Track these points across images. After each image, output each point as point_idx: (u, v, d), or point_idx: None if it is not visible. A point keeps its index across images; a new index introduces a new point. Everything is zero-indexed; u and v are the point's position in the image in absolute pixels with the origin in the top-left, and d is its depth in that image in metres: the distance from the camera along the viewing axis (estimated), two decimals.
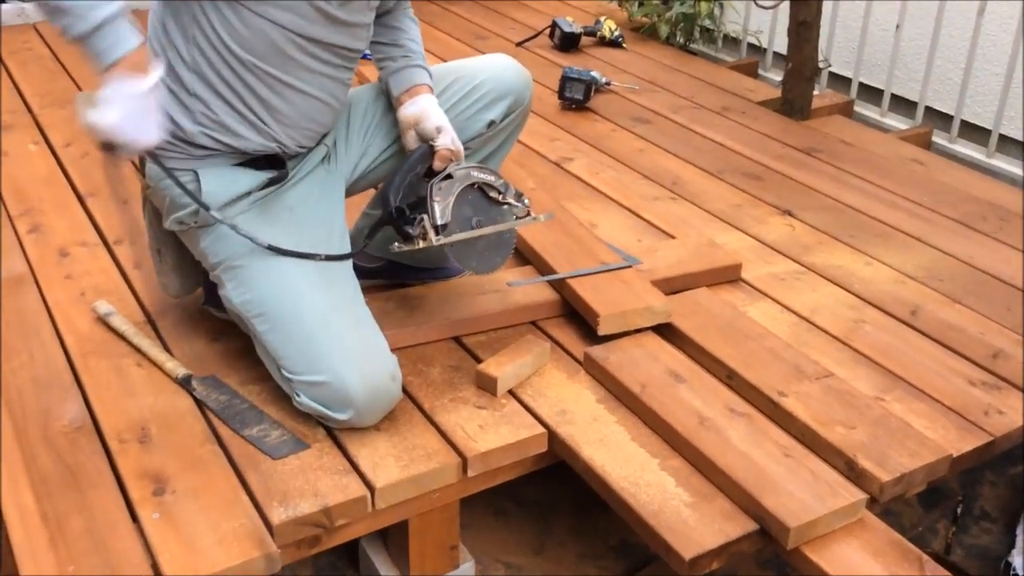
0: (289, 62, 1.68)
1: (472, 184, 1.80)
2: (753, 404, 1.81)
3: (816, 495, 1.57)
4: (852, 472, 1.64)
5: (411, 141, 1.87)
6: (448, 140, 1.84)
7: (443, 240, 1.75)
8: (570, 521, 2.10)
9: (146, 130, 1.57)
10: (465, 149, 1.91)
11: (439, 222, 1.75)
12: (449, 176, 1.78)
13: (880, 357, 2.01)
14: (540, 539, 2.07)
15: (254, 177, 1.75)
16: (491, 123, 1.95)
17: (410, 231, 1.76)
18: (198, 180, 1.72)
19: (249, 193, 1.74)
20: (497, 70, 1.97)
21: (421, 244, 1.75)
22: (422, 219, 1.75)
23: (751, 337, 1.98)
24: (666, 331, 2.01)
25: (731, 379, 1.88)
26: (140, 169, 1.80)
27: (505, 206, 1.85)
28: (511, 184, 1.85)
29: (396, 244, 1.78)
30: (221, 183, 1.72)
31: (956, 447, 1.76)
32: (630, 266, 2.15)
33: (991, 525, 2.21)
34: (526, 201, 1.87)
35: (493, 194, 1.83)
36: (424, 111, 1.85)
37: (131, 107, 1.54)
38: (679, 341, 1.99)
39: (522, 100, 1.99)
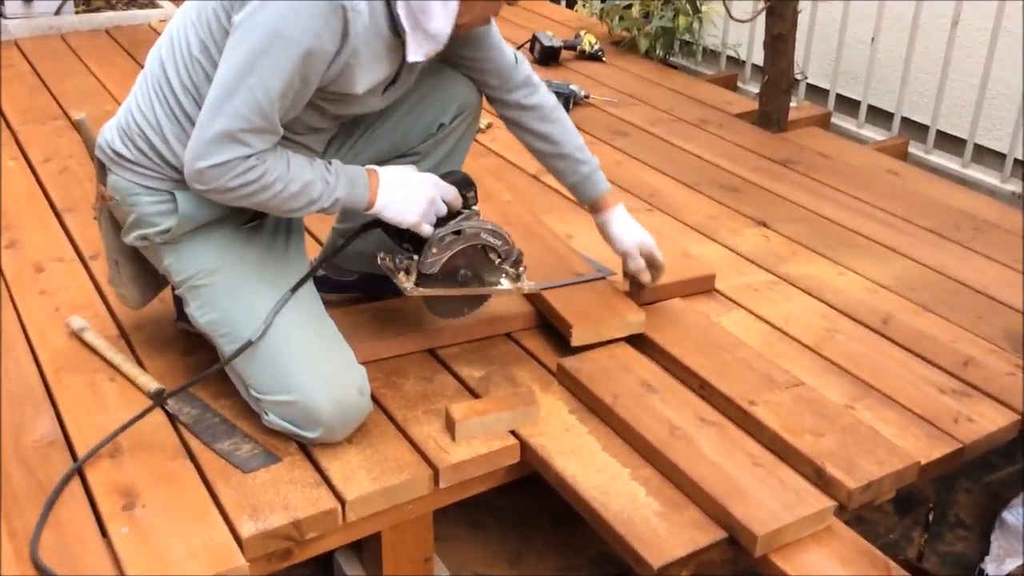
0: (313, 133, 1.74)
1: (476, 244, 1.82)
2: (724, 414, 1.82)
3: (784, 503, 1.58)
4: (820, 480, 1.65)
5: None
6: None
7: (418, 291, 1.79)
8: (547, 533, 2.11)
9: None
10: (415, 154, 1.93)
11: (425, 271, 1.77)
12: (458, 232, 1.79)
13: (851, 366, 2.03)
14: (517, 551, 2.07)
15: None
16: (440, 125, 1.96)
17: (396, 263, 1.79)
18: (174, 200, 1.71)
19: (224, 218, 1.74)
20: (444, 76, 1.97)
21: (399, 278, 1.78)
22: (412, 258, 1.77)
23: (724, 348, 1.99)
24: (640, 342, 2.02)
25: (704, 389, 1.89)
26: (100, 179, 1.79)
27: (499, 269, 1.87)
28: (516, 249, 1.86)
29: (382, 255, 1.81)
30: (197, 205, 1.71)
31: (925, 455, 1.77)
32: (603, 277, 2.16)
33: (966, 532, 2.22)
34: (521, 269, 1.89)
35: (493, 255, 1.85)
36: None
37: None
38: (653, 352, 2.00)
39: (471, 102, 1.99)
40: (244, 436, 1.72)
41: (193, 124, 1.64)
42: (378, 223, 1.77)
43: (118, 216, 1.80)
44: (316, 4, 1.50)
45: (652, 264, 2.08)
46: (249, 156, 1.57)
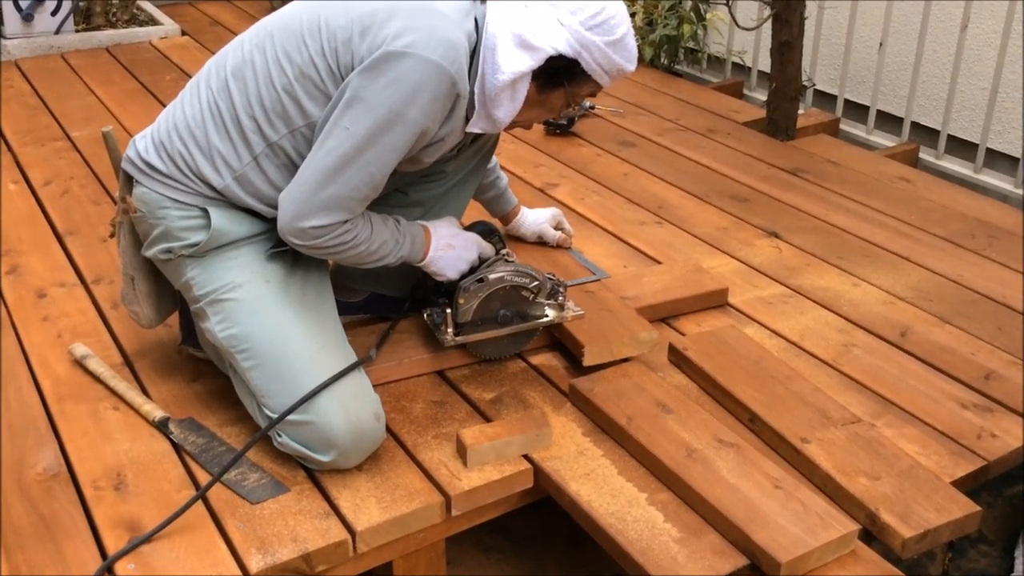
0: None
1: (505, 287, 1.87)
2: (776, 450, 1.77)
3: (807, 527, 1.53)
4: (874, 526, 1.59)
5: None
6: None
7: (459, 340, 1.87)
8: (562, 556, 2.07)
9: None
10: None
11: (459, 320, 1.86)
12: (481, 280, 1.85)
13: (870, 381, 1.98)
14: (531, 575, 2.03)
15: (259, 223, 1.74)
16: None
17: (435, 318, 1.89)
18: (205, 215, 1.70)
19: (253, 236, 1.74)
20: None
21: (441, 331, 1.87)
22: (446, 311, 1.85)
23: (778, 379, 1.91)
24: (688, 369, 1.98)
25: (753, 423, 1.82)
26: (125, 191, 1.77)
27: (538, 303, 1.92)
28: (548, 282, 1.91)
29: (428, 312, 1.94)
30: (230, 222, 1.71)
31: (949, 473, 1.73)
32: (599, 279, 2.14)
33: (989, 548, 2.17)
34: (560, 299, 1.94)
35: (525, 293, 1.89)
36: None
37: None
38: (701, 380, 1.95)
39: None
40: (251, 465, 1.69)
41: (248, 147, 1.67)
42: (420, 281, 1.92)
43: (140, 229, 1.77)
44: (438, 88, 1.58)
45: (562, 228, 2.44)
46: (348, 220, 1.65)
